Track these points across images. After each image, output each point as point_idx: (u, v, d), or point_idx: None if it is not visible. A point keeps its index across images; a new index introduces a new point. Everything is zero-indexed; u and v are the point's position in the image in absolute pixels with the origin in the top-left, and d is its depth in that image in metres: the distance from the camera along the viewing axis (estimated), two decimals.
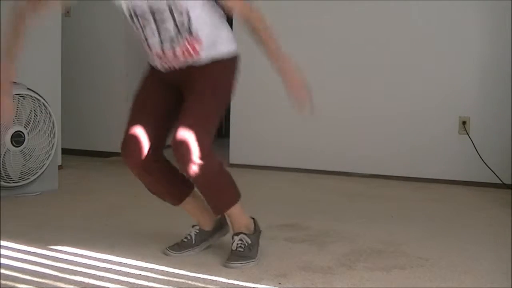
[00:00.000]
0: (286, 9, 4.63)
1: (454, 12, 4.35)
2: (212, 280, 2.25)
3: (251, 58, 4.83)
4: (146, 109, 2.45)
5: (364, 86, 4.59)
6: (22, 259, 2.44)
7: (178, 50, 2.32)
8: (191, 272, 2.33)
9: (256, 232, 2.54)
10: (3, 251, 2.50)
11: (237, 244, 2.45)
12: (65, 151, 4.76)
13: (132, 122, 2.43)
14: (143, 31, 2.33)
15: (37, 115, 3.61)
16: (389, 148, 4.55)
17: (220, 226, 2.64)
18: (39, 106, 3.62)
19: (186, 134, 2.25)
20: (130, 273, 2.30)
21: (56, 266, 2.36)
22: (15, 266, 2.34)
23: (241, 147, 4.92)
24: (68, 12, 5.30)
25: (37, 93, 3.63)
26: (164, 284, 2.19)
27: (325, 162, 4.69)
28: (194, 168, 2.26)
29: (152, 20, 2.29)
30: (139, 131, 2.39)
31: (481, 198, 3.94)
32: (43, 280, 2.20)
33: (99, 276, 2.26)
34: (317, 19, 4.67)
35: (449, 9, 4.36)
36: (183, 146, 2.25)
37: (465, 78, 4.37)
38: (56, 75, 4.44)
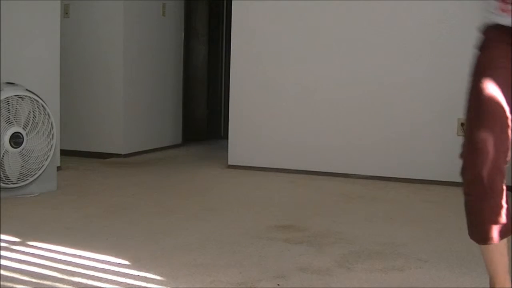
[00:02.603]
0: (285, 10, 4.65)
1: (453, 13, 4.36)
2: (211, 281, 2.24)
3: (250, 60, 4.86)
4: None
5: (363, 88, 4.60)
6: (20, 260, 2.43)
7: None
8: (189, 273, 2.33)
9: None
10: (2, 252, 2.50)
11: None
12: (63, 152, 4.76)
13: (481, 117, 1.77)
14: None
15: (35, 116, 3.61)
16: (388, 149, 4.55)
17: None
18: (38, 107, 3.62)
19: None
20: (129, 274, 2.30)
21: (54, 267, 2.36)
22: (14, 267, 2.34)
23: (240, 148, 4.93)
24: (67, 13, 5.32)
25: (35, 94, 3.63)
26: (162, 285, 2.19)
27: (324, 163, 4.70)
28: None
29: None
30: (489, 134, 1.76)
31: None
32: (42, 281, 2.20)
33: (98, 277, 2.26)
34: (320, 20, 4.68)
35: (448, 10, 4.36)
36: None
37: (464, 79, 4.36)
38: (54, 76, 4.44)
